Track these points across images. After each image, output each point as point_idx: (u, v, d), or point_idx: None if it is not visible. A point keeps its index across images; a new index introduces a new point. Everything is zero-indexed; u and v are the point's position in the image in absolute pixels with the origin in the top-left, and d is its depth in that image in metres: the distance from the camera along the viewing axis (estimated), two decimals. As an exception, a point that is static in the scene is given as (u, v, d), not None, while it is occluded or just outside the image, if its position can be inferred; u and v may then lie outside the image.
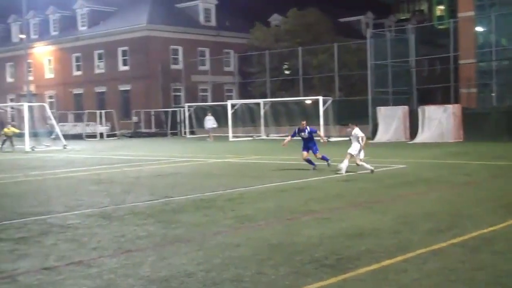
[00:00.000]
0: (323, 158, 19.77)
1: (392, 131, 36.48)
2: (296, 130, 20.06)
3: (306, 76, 48.00)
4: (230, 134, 42.13)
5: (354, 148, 18.32)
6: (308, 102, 42.12)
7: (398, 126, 36.53)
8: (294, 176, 17.77)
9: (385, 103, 38.75)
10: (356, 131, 18.39)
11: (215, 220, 11.00)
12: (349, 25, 66.01)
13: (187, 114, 50.50)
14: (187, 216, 11.48)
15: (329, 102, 39.80)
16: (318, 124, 35.70)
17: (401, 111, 36.75)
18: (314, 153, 19.71)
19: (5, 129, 36.48)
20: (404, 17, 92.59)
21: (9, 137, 35.72)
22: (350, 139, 18.85)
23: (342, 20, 65.43)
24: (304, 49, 47.69)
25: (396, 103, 38.49)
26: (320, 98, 38.64)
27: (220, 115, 45.36)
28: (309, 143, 19.75)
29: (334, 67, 45.31)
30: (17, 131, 36.57)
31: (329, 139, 31.80)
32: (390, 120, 36.70)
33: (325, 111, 38.82)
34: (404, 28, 43.98)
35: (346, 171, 18.06)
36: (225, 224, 10.58)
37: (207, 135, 43.14)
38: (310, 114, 38.02)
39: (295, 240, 9.13)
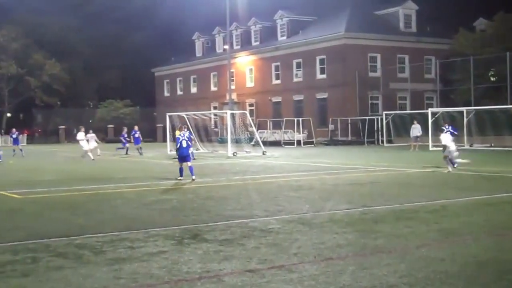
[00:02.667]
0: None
1: None
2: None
3: (514, 82, 45.23)
4: (430, 144, 40.84)
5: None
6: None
7: None
8: (502, 189, 16.75)
9: None
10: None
11: (418, 232, 10.66)
12: None
13: (384, 122, 49.88)
14: (387, 226, 11.25)
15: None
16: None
17: None
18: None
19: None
20: None
21: None
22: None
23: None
24: (513, 54, 45.01)
25: None
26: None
27: (420, 124, 44.14)
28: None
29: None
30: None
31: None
32: None
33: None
34: None
35: None
36: (428, 237, 10.21)
37: (409, 143, 42.13)
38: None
39: (506, 257, 8.56)
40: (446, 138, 22.77)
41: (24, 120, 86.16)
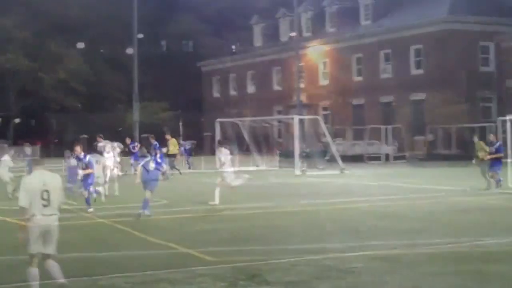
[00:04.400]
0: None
1: None
2: None
3: None
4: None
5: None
6: None
7: None
8: None
9: None
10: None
11: (542, 274, 10.56)
12: None
13: (500, 131, 49.09)
14: (503, 267, 11.17)
15: None
16: None
17: None
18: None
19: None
20: None
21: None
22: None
23: None
24: None
25: None
26: None
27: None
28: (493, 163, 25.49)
29: None
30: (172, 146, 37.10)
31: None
32: None
33: None
34: None
35: None
36: (556, 281, 10.11)
37: None
38: None
39: None
40: (224, 155, 21.82)
41: (37, 128, 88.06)
